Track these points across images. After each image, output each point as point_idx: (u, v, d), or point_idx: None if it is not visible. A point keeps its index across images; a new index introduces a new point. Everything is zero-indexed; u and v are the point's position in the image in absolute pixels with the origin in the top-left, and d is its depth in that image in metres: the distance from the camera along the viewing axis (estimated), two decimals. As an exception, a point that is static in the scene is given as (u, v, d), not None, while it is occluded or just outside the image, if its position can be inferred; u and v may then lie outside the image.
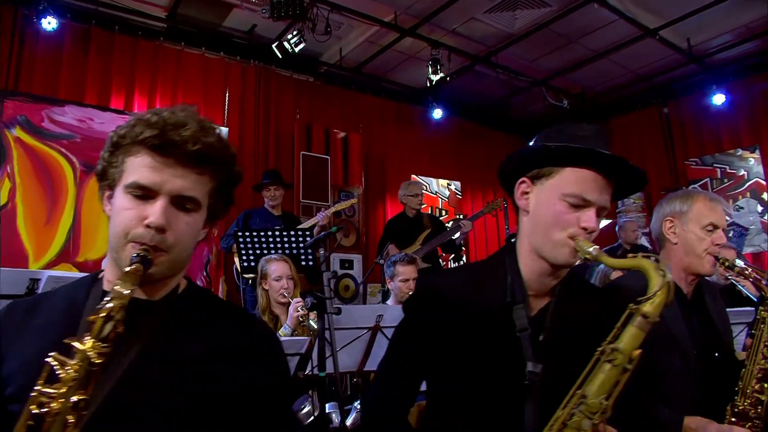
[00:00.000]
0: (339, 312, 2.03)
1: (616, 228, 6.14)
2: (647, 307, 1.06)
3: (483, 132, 8.47)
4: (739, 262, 2.12)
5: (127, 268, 0.98)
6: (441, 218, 7.56)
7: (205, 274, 5.28)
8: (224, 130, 5.70)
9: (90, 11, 5.33)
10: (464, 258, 7.51)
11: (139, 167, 1.07)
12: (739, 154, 7.04)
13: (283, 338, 2.12)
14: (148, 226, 1.03)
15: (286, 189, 5.18)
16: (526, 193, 1.35)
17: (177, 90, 5.79)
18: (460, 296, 1.34)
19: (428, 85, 6.33)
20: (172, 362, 1.06)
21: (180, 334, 1.11)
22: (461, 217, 7.56)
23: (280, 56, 5.67)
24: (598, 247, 1.22)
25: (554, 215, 1.27)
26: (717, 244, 1.98)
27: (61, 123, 4.74)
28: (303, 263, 3.96)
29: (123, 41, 5.51)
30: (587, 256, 1.19)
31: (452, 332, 1.31)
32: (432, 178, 7.66)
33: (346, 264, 6.20)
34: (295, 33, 5.48)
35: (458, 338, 1.30)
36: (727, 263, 1.98)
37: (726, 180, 7.12)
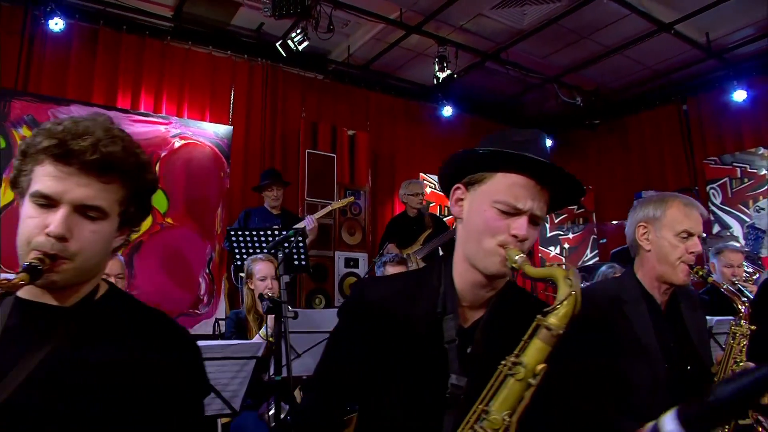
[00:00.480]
0: (295, 316, 2.01)
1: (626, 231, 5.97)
2: (551, 319, 1.01)
3: (495, 129, 8.30)
4: (716, 275, 2.04)
5: (14, 278, 0.99)
6: (449, 217, 7.51)
7: (207, 271, 5.33)
8: (226, 129, 5.74)
9: (98, 11, 5.41)
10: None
11: (42, 176, 1.08)
12: (760, 152, 6.77)
13: (239, 342, 2.11)
14: (48, 234, 1.05)
15: (284, 187, 5.19)
16: (461, 199, 1.32)
17: (183, 89, 5.85)
18: (392, 305, 1.31)
19: (435, 82, 6.26)
20: (78, 368, 1.07)
21: (91, 340, 1.11)
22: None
23: (285, 54, 5.66)
24: (524, 255, 1.17)
25: (485, 222, 1.23)
26: (692, 252, 1.90)
27: (67, 122, 4.81)
28: (296, 263, 3.96)
29: (130, 41, 5.59)
30: (513, 265, 1.16)
31: (381, 342, 1.28)
32: (441, 176, 7.57)
33: (351, 263, 6.19)
34: (299, 31, 5.46)
35: (386, 348, 1.27)
36: (701, 273, 1.90)
37: (746, 180, 6.87)
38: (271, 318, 2.22)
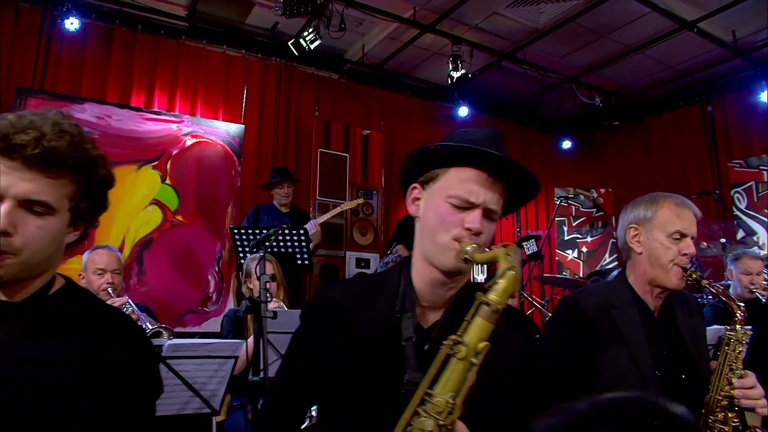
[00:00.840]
0: (274, 316, 1.99)
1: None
2: (491, 295, 1.00)
3: (514, 130, 8.23)
4: (733, 282, 1.91)
5: None
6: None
7: (217, 269, 5.36)
8: (237, 128, 5.77)
9: (114, 11, 5.48)
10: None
11: None
12: (789, 156, 6.54)
13: (216, 341, 2.10)
14: None
15: (294, 185, 5.18)
16: (417, 199, 1.32)
17: (197, 87, 5.88)
18: (352, 307, 1.29)
19: (450, 82, 6.19)
20: (24, 365, 1.06)
21: (40, 336, 1.10)
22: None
23: (297, 53, 5.66)
24: (476, 246, 1.17)
25: (439, 217, 1.23)
26: (685, 254, 1.81)
27: (81, 120, 4.87)
28: (299, 262, 3.94)
29: (146, 40, 5.64)
30: (465, 256, 1.16)
31: (341, 344, 1.26)
32: (457, 178, 7.49)
33: (362, 263, 6.16)
34: (311, 30, 5.46)
35: (346, 350, 1.25)
36: (694, 276, 1.81)
37: (774, 184, 6.63)
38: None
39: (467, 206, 1.20)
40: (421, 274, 1.29)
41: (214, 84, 5.99)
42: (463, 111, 7.10)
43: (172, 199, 5.23)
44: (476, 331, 0.99)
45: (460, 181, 1.21)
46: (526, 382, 1.27)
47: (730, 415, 1.67)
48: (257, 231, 3.90)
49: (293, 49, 5.60)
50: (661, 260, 1.82)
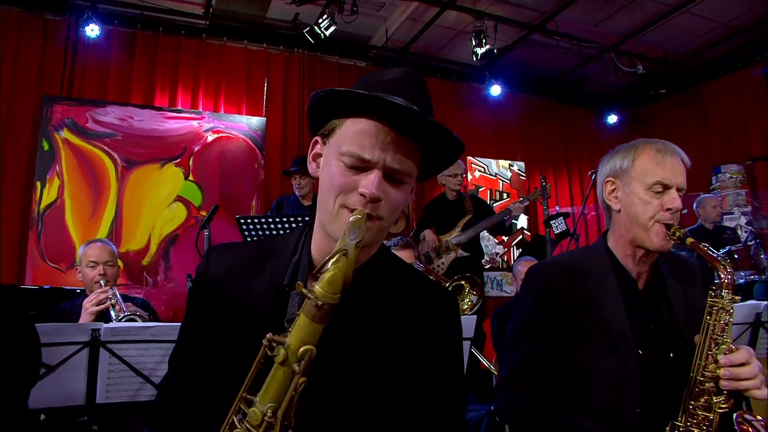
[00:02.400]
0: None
1: (694, 205, 5.30)
2: (316, 287, 0.79)
3: (554, 108, 7.82)
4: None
5: None
6: (501, 202, 7.11)
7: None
8: (259, 120, 5.76)
9: (135, 16, 5.62)
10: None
11: None
12: None
13: (158, 324, 2.02)
14: None
15: (309, 176, 5.09)
16: (319, 155, 1.12)
17: (220, 84, 5.94)
18: (237, 278, 1.13)
19: (475, 59, 5.92)
20: None
21: None
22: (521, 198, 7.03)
23: (312, 41, 5.58)
24: (362, 215, 0.95)
25: (330, 179, 1.03)
26: (668, 209, 1.53)
27: (104, 123, 5.05)
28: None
29: (167, 41, 5.76)
30: (358, 224, 0.92)
31: (221, 319, 1.11)
32: (491, 159, 7.19)
33: (393, 252, 6.00)
34: (325, 17, 5.36)
35: (226, 326, 1.09)
36: (678, 234, 1.52)
37: None
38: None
39: (362, 166, 0.99)
40: (319, 243, 1.11)
41: (237, 79, 6.03)
42: (496, 90, 6.79)
43: (195, 195, 5.29)
44: (299, 331, 0.79)
45: (355, 135, 1.00)
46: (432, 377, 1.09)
47: (714, 399, 1.38)
48: (263, 220, 3.83)
49: (309, 38, 5.52)
50: (640, 217, 1.55)
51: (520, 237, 7.17)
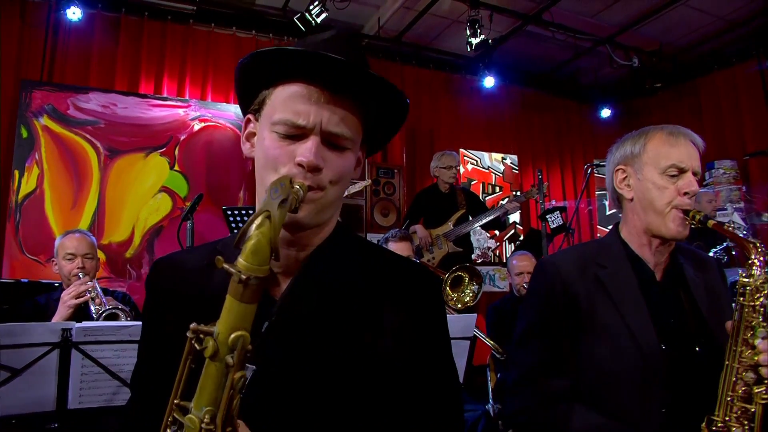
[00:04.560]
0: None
1: (690, 201, 5.22)
2: (239, 259, 0.67)
3: (548, 100, 7.72)
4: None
5: None
6: (493, 196, 7.02)
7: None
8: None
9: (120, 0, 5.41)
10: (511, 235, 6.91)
11: None
12: None
13: (135, 323, 1.88)
14: None
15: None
16: (253, 134, 1.02)
17: (207, 71, 5.76)
18: (187, 276, 1.02)
19: (469, 49, 5.79)
20: None
21: None
22: (516, 193, 6.94)
23: (304, 29, 5.42)
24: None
25: (264, 153, 0.94)
26: (685, 193, 1.44)
27: (86, 110, 4.86)
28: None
29: (153, 27, 5.56)
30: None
31: (174, 320, 0.98)
32: (484, 152, 7.09)
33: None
34: (316, 3, 5.20)
35: (179, 327, 0.97)
36: (698, 217, 1.43)
37: (844, 142, 5.87)
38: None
39: (297, 133, 0.90)
40: None
41: (225, 67, 5.84)
42: (489, 81, 6.66)
43: (181, 186, 5.13)
44: (226, 315, 0.67)
45: (285, 101, 0.92)
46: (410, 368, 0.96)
47: (755, 389, 1.27)
48: (251, 211, 3.70)
49: (299, 24, 5.36)
50: (656, 204, 1.47)
51: (513, 231, 7.08)
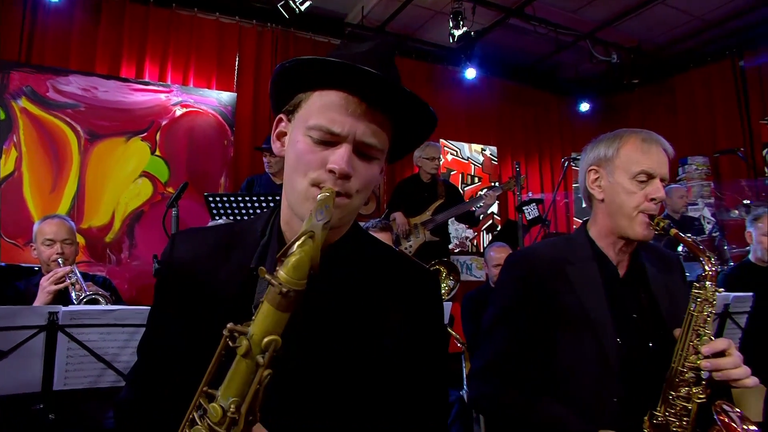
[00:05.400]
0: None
1: (663, 196, 5.39)
2: (280, 272, 0.73)
3: (528, 93, 7.83)
4: (753, 246, 1.58)
5: None
6: (472, 186, 7.12)
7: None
8: (229, 96, 5.59)
9: (101, -19, 5.34)
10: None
11: None
12: (829, 111, 5.98)
13: (122, 307, 1.93)
14: None
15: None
16: (284, 133, 1.06)
17: (190, 56, 5.72)
18: (204, 264, 1.07)
19: (451, 41, 5.85)
20: None
21: None
22: (495, 184, 7.05)
23: (287, 16, 5.42)
24: (331, 193, 0.90)
25: (297, 156, 0.98)
26: (652, 199, 1.53)
27: (66, 92, 4.81)
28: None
29: (135, 10, 5.49)
30: (327, 203, 0.86)
31: (189, 305, 1.05)
32: (464, 143, 7.18)
33: (364, 234, 5.95)
34: (300, -10, 5.21)
35: (195, 313, 1.04)
36: (662, 224, 1.52)
37: (810, 142, 6.09)
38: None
39: (331, 140, 0.95)
40: (288, 225, 1.06)
41: (207, 53, 5.81)
42: (471, 73, 6.74)
43: (162, 171, 5.12)
44: (262, 320, 0.74)
45: (322, 108, 0.95)
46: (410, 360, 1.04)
47: (694, 390, 1.39)
48: (232, 198, 3.73)
49: (283, 12, 5.36)
50: (625, 207, 1.55)
51: (490, 222, 7.21)
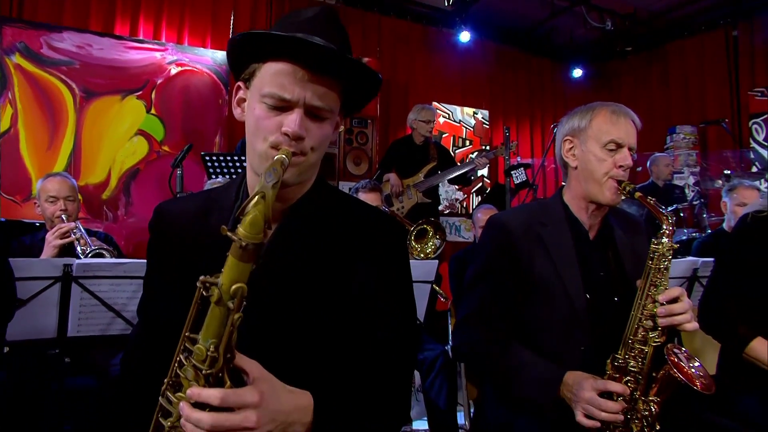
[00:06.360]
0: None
1: (648, 163, 5.54)
2: (240, 229, 0.84)
3: (522, 58, 7.85)
4: (728, 215, 1.70)
5: None
6: (463, 149, 7.22)
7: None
8: (224, 55, 5.58)
9: (94, -67, 5.25)
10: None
11: None
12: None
13: (130, 261, 2.06)
14: None
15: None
16: (243, 100, 1.16)
17: (184, 14, 5.69)
18: (185, 225, 1.19)
19: (446, 3, 5.84)
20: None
21: None
22: (485, 147, 7.17)
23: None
24: (287, 155, 0.99)
25: (255, 121, 1.07)
26: (620, 166, 1.67)
27: (60, 49, 4.81)
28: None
29: (129, -35, 5.43)
30: (275, 166, 0.95)
31: (173, 264, 1.17)
32: (456, 106, 7.24)
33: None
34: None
35: (178, 271, 1.15)
36: (628, 188, 1.67)
37: (796, 114, 6.21)
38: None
39: (284, 105, 1.04)
40: (252, 186, 1.16)
41: (202, 11, 5.78)
42: (465, 36, 6.75)
43: (157, 129, 5.18)
44: (229, 271, 0.84)
45: (273, 76, 1.04)
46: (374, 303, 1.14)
47: (650, 334, 1.55)
48: (228, 158, 3.83)
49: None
50: (595, 174, 1.69)
51: (480, 185, 7.34)
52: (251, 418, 0.86)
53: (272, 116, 1.04)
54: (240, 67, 1.12)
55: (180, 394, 0.89)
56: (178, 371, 0.90)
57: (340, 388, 1.05)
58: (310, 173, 1.15)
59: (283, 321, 1.08)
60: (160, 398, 0.93)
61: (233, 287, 0.83)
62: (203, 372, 0.85)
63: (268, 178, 0.88)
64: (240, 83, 1.14)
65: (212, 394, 0.84)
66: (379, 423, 1.10)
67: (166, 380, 0.92)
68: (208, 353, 0.84)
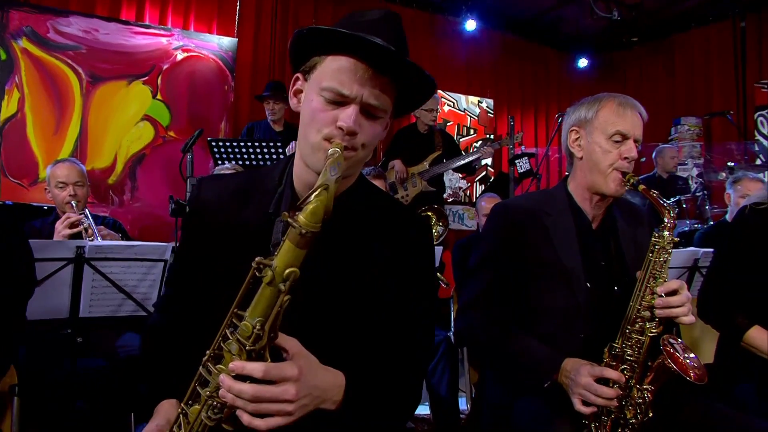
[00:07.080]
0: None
1: (653, 154, 5.55)
2: (300, 216, 0.88)
3: (527, 47, 7.82)
4: (731, 207, 1.72)
5: None
6: (467, 138, 7.23)
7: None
8: (230, 41, 5.60)
9: None
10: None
11: None
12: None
13: (141, 243, 2.10)
14: None
15: (286, 103, 5.05)
16: (300, 91, 1.19)
17: (190, 0, 5.69)
18: (225, 205, 1.23)
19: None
20: None
21: None
22: (489, 136, 7.18)
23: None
24: (340, 148, 1.02)
25: (311, 113, 1.11)
26: (625, 158, 1.69)
27: (67, 34, 4.82)
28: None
29: (135, -51, 5.42)
30: (339, 161, 0.99)
31: (213, 244, 1.21)
32: (461, 95, 7.24)
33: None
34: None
35: (218, 251, 1.20)
36: (632, 180, 1.69)
37: (802, 107, 6.20)
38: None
39: (341, 101, 1.08)
40: (300, 176, 1.20)
41: (208, -4, 5.78)
42: (471, 25, 6.74)
43: (163, 115, 5.20)
44: (284, 255, 0.89)
45: (334, 71, 1.08)
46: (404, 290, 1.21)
47: (648, 325, 1.58)
48: (234, 143, 3.85)
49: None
50: (600, 165, 1.71)
51: (484, 173, 7.36)
52: (290, 390, 0.92)
53: (329, 110, 1.08)
54: (301, 59, 1.16)
55: (221, 366, 0.94)
56: (222, 344, 0.95)
57: (369, 370, 1.11)
58: (357, 168, 1.20)
59: (323, 305, 1.13)
60: (200, 368, 0.97)
61: (287, 271, 0.88)
62: (246, 348, 0.90)
63: (332, 171, 0.92)
64: (299, 74, 1.18)
65: (256, 367, 0.90)
66: (399, 405, 1.17)
67: (208, 352, 0.97)
68: (255, 330, 0.89)
